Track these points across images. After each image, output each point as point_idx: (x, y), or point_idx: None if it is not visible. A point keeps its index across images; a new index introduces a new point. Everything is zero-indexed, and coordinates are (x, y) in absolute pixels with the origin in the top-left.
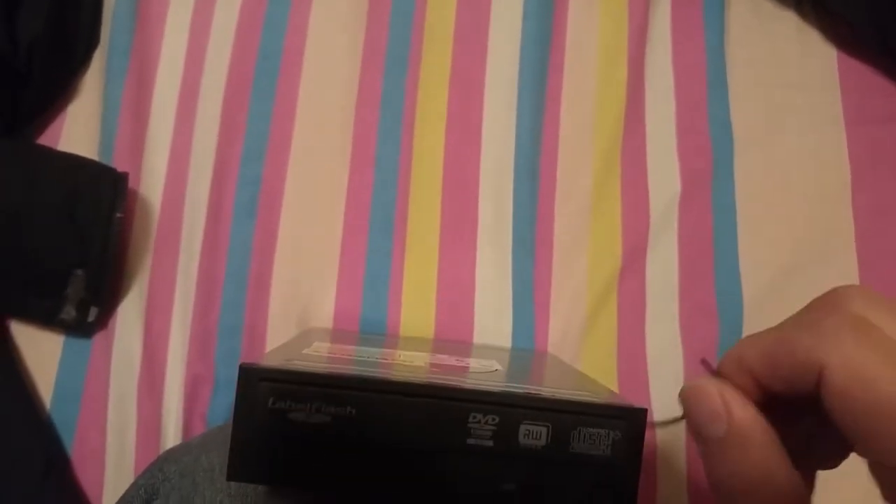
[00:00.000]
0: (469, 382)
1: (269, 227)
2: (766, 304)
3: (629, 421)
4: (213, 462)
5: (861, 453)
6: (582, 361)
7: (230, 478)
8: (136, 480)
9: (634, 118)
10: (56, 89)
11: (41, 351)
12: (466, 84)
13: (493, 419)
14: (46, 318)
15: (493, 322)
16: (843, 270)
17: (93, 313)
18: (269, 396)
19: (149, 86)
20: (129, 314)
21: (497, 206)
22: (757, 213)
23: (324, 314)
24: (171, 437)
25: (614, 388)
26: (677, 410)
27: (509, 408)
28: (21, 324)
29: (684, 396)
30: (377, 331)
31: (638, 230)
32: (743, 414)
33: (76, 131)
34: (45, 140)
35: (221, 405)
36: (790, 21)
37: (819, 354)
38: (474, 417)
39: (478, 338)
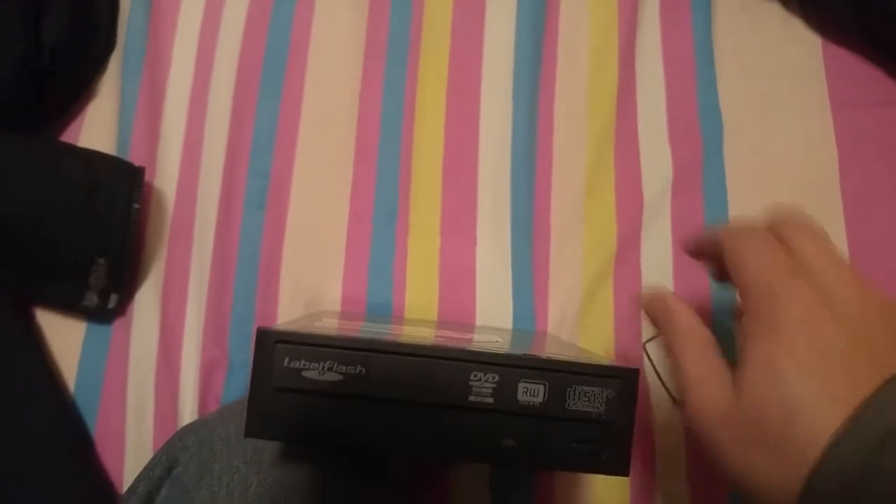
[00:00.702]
0: (471, 346)
1: (277, 218)
2: None
3: (623, 380)
4: (230, 431)
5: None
6: (580, 342)
7: (248, 434)
8: (157, 452)
9: (626, 107)
10: (76, 89)
11: (65, 338)
12: (464, 76)
13: (493, 377)
14: (70, 305)
15: (493, 305)
16: None
17: (113, 300)
18: (285, 356)
19: (162, 85)
20: (146, 301)
21: (495, 194)
22: (747, 197)
23: (331, 300)
24: (187, 418)
25: None
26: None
27: (508, 367)
28: (45, 312)
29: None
30: (383, 314)
31: (632, 215)
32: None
33: (95, 129)
34: (66, 137)
35: (235, 387)
36: (775, 10)
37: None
38: (475, 376)
39: (480, 320)
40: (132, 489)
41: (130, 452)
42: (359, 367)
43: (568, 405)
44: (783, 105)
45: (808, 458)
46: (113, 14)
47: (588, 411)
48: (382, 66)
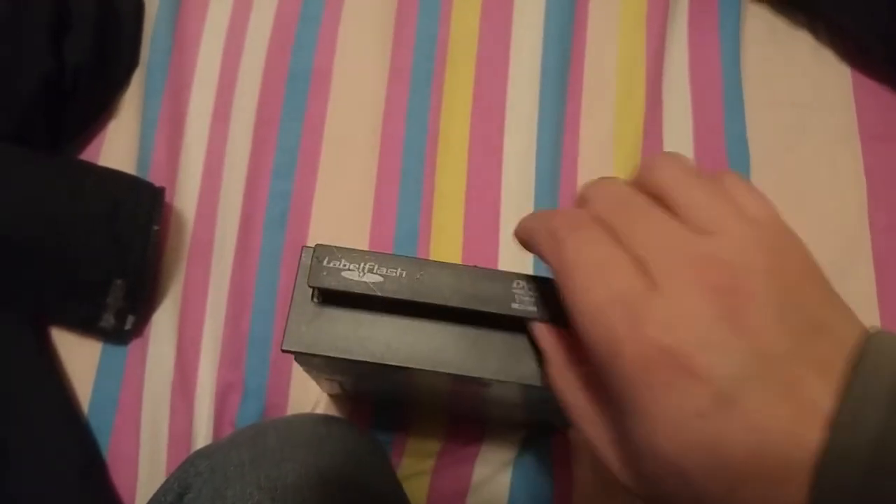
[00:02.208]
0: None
1: (298, 240)
2: None
3: None
4: (243, 457)
5: None
6: None
7: (285, 348)
8: (168, 477)
9: (653, 136)
10: (97, 108)
11: (80, 359)
12: (488, 105)
13: (537, 286)
14: (87, 325)
15: None
16: (861, 287)
17: (130, 321)
18: (325, 256)
19: (184, 104)
20: (163, 323)
21: (518, 215)
22: None
23: None
24: (202, 442)
25: None
26: None
27: (551, 280)
28: (61, 332)
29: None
30: None
31: None
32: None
33: (116, 147)
34: (86, 155)
35: (250, 411)
36: (804, 40)
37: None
38: (518, 284)
39: None
40: None
41: (143, 475)
42: (399, 270)
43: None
44: (811, 136)
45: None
46: (137, 34)
47: None
48: (406, 90)
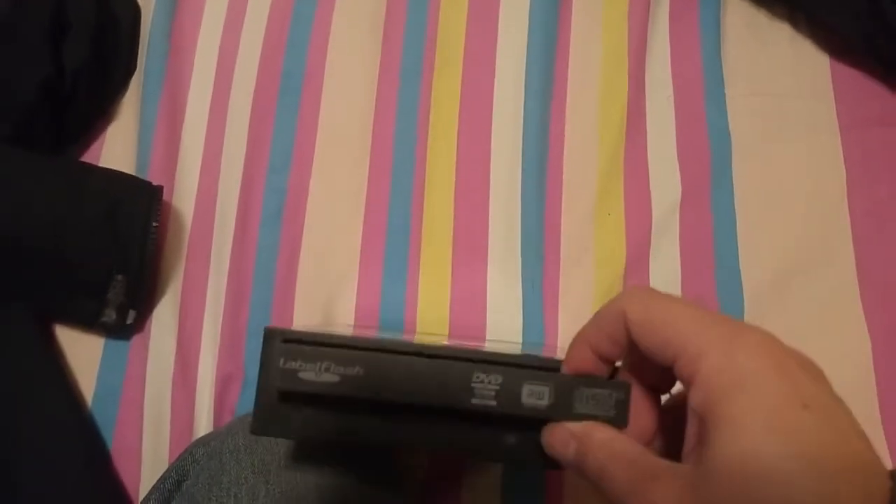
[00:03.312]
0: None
1: (293, 234)
2: (766, 302)
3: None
4: (239, 443)
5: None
6: None
7: (253, 432)
8: (169, 465)
9: (636, 128)
10: (97, 112)
11: (83, 354)
12: (476, 99)
13: (497, 379)
14: (89, 321)
15: (504, 323)
16: (841, 270)
17: (131, 316)
18: (280, 356)
19: (181, 107)
20: (163, 317)
21: (506, 214)
22: (755, 216)
23: (345, 313)
24: (203, 432)
25: None
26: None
27: (512, 368)
28: (64, 328)
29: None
30: (396, 329)
31: (640, 234)
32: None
33: (115, 150)
34: (86, 158)
35: (250, 401)
36: (784, 31)
37: (620, 305)
38: (478, 377)
39: (490, 336)
40: (144, 502)
41: (147, 465)
42: (357, 369)
43: (575, 409)
44: (792, 125)
45: None
46: (134, 40)
47: (596, 415)
48: (396, 86)
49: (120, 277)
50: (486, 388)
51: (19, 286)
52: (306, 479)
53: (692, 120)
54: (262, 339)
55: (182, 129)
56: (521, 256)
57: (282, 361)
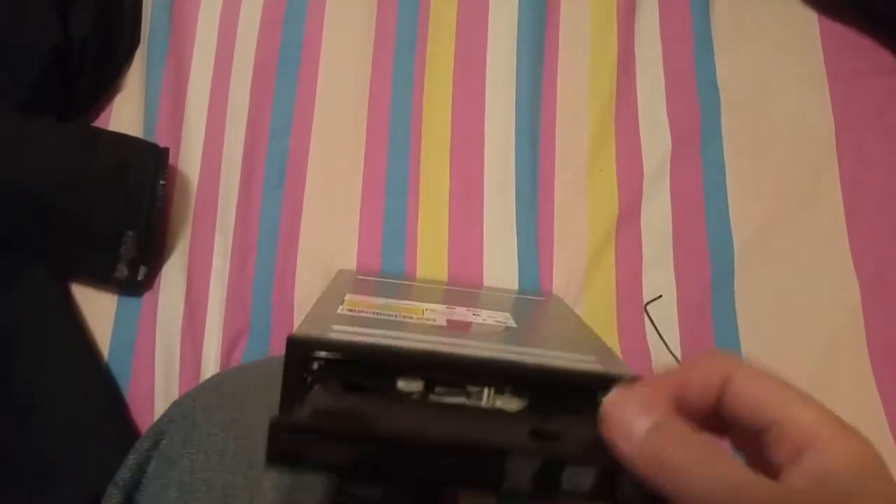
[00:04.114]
0: (497, 424)
1: (295, 194)
2: (756, 248)
3: None
4: (210, 402)
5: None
6: (583, 305)
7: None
8: (148, 427)
9: (626, 83)
10: (104, 83)
11: (98, 311)
12: (469, 63)
13: (534, 465)
14: (102, 277)
15: (500, 272)
16: (830, 216)
17: (142, 272)
18: (282, 433)
19: (184, 77)
20: (172, 275)
21: (501, 168)
22: (745, 165)
23: (347, 268)
24: None
25: (612, 327)
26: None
27: (552, 456)
28: (81, 288)
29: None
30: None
31: (632, 186)
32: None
33: (122, 119)
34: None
35: (254, 351)
36: None
37: (726, 368)
38: (512, 461)
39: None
40: (124, 463)
41: (159, 412)
42: (371, 449)
43: (620, 490)
44: (780, 78)
45: None
46: (136, 12)
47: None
48: (392, 52)
49: (130, 233)
50: (521, 474)
51: (38, 243)
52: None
53: (681, 76)
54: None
55: (186, 99)
56: (516, 211)
57: (284, 441)
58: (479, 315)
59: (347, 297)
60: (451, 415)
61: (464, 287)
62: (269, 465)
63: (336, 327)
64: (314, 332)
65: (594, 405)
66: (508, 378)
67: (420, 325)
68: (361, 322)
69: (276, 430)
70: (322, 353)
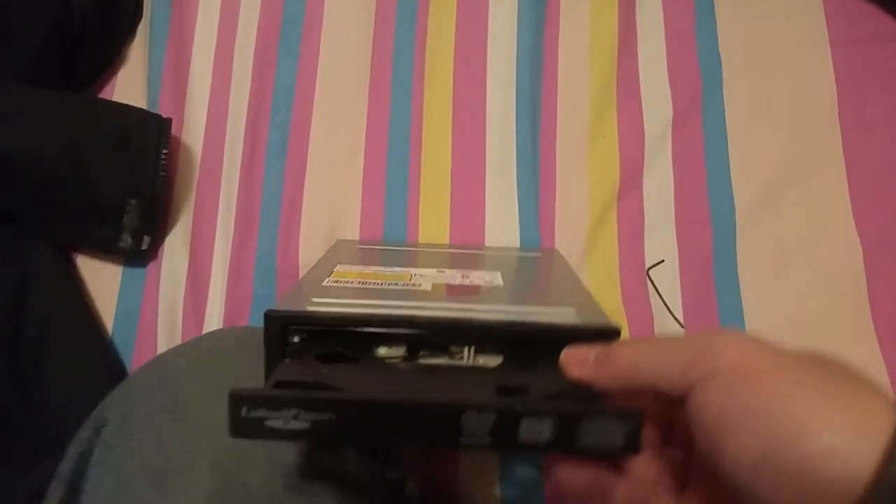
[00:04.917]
0: (461, 383)
1: (297, 166)
2: (758, 212)
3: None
4: (152, 382)
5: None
6: (586, 270)
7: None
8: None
9: (627, 53)
10: (106, 56)
11: (103, 281)
12: (470, 35)
13: (490, 418)
14: (107, 246)
15: (502, 240)
16: (832, 180)
17: (146, 242)
18: (242, 406)
19: (187, 50)
20: (176, 245)
21: (502, 140)
22: (746, 131)
23: (350, 237)
24: None
25: (616, 292)
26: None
27: (508, 407)
28: (87, 259)
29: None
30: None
31: (634, 153)
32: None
33: (126, 92)
34: None
35: (257, 320)
36: None
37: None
38: (467, 418)
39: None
40: (66, 453)
41: None
42: (329, 415)
43: (580, 442)
44: (782, 44)
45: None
46: None
47: (602, 448)
48: (393, 26)
49: (134, 202)
50: (477, 428)
51: (42, 213)
52: (215, 410)
53: (682, 43)
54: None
55: (189, 72)
56: (517, 179)
57: (244, 411)
58: (467, 277)
59: (338, 267)
60: (419, 376)
61: (464, 248)
62: (234, 436)
63: (316, 300)
64: (292, 306)
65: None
66: (485, 337)
67: (403, 290)
68: (344, 294)
69: (234, 401)
70: (298, 327)
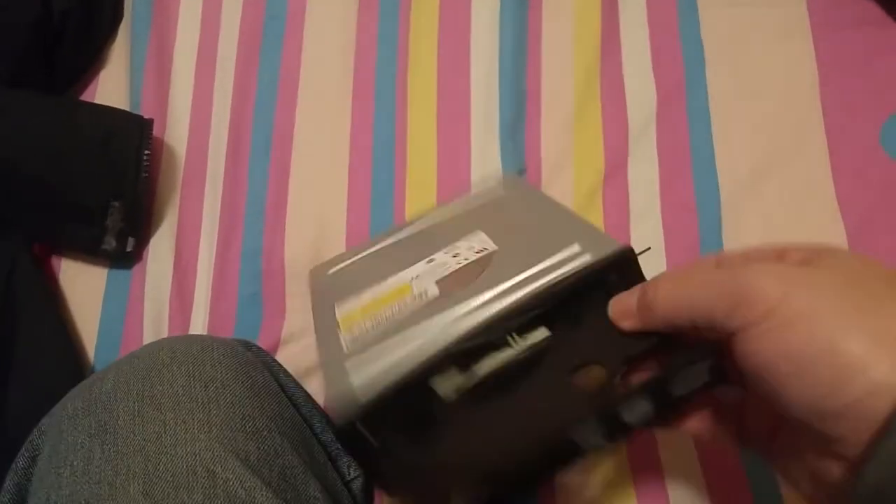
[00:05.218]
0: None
1: (282, 162)
2: (743, 198)
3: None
4: (77, 407)
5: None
6: None
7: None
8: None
9: (610, 41)
10: (87, 56)
11: (89, 283)
12: (453, 23)
13: (593, 424)
14: (91, 249)
15: None
16: (816, 164)
17: (130, 244)
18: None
19: (169, 48)
20: (161, 247)
21: (487, 129)
22: (730, 117)
23: (336, 234)
24: None
25: None
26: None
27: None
28: (71, 261)
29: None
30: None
31: (618, 141)
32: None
33: (107, 93)
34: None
35: (243, 320)
36: None
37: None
38: (576, 432)
39: None
40: (5, 486)
41: None
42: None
43: (675, 394)
44: (764, 30)
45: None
46: None
47: (696, 388)
48: (376, 18)
49: (116, 204)
50: (589, 436)
51: (25, 214)
52: (145, 429)
53: (665, 31)
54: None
55: (171, 71)
56: (502, 167)
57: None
58: (458, 253)
59: (339, 314)
60: (505, 409)
61: (432, 216)
62: None
63: (355, 377)
64: (347, 405)
65: (604, 290)
66: (520, 319)
67: (418, 310)
68: (371, 349)
69: None
70: (366, 422)
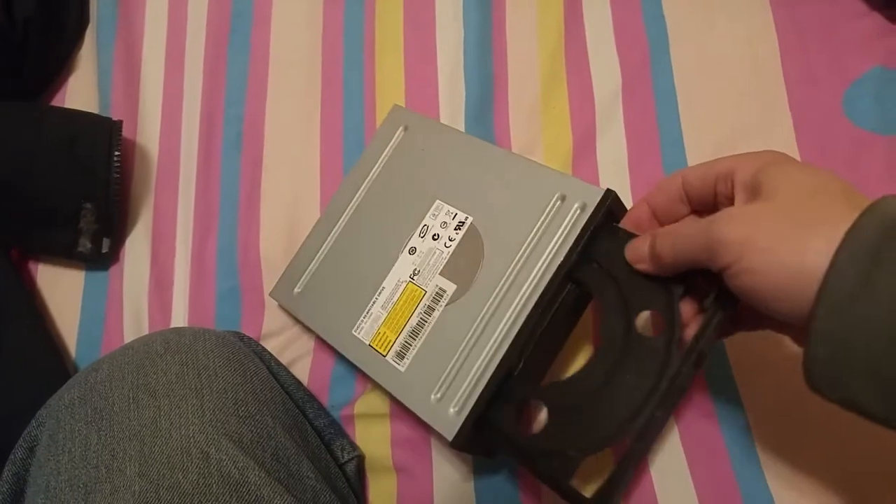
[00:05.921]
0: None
1: (254, 157)
2: None
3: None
4: (74, 396)
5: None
6: None
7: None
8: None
9: (574, 22)
10: (54, 63)
11: (67, 287)
12: (419, 14)
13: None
14: (66, 252)
15: None
16: (781, 135)
17: (106, 244)
18: None
19: (136, 53)
20: (137, 246)
21: (453, 116)
22: (696, 93)
23: (310, 224)
24: None
25: None
26: None
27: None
28: (48, 266)
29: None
30: None
31: (586, 122)
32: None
33: (77, 98)
34: None
35: (223, 315)
36: None
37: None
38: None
39: None
40: (3, 475)
41: None
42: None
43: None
44: (726, 7)
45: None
46: None
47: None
48: (342, 9)
49: (89, 206)
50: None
51: None
52: (140, 414)
53: (627, 10)
54: None
55: (140, 74)
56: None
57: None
58: (437, 234)
59: (363, 338)
60: (593, 384)
61: (347, 188)
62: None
63: (434, 400)
64: (448, 425)
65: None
66: (544, 295)
67: (452, 312)
68: (434, 365)
69: None
70: (476, 439)
